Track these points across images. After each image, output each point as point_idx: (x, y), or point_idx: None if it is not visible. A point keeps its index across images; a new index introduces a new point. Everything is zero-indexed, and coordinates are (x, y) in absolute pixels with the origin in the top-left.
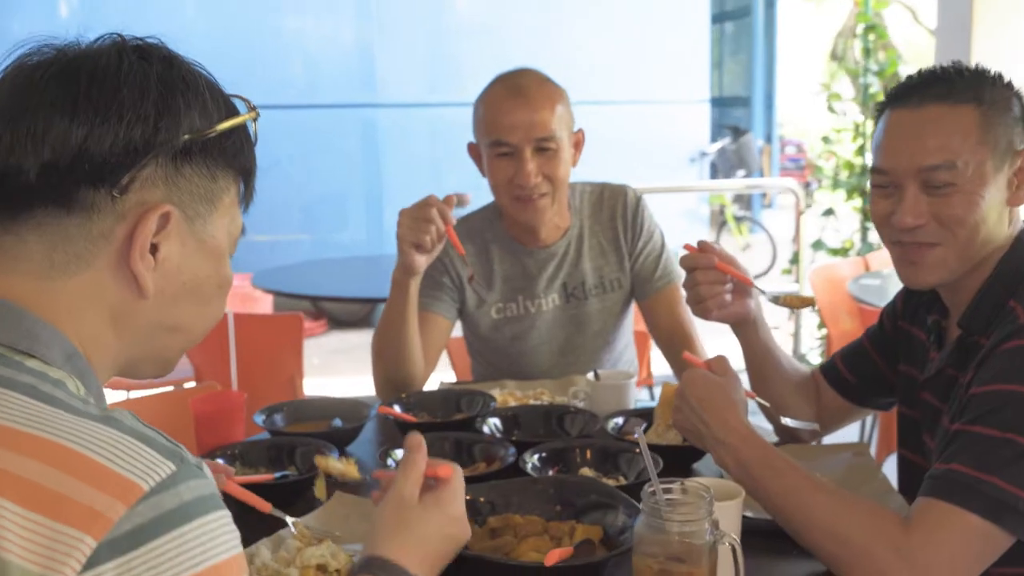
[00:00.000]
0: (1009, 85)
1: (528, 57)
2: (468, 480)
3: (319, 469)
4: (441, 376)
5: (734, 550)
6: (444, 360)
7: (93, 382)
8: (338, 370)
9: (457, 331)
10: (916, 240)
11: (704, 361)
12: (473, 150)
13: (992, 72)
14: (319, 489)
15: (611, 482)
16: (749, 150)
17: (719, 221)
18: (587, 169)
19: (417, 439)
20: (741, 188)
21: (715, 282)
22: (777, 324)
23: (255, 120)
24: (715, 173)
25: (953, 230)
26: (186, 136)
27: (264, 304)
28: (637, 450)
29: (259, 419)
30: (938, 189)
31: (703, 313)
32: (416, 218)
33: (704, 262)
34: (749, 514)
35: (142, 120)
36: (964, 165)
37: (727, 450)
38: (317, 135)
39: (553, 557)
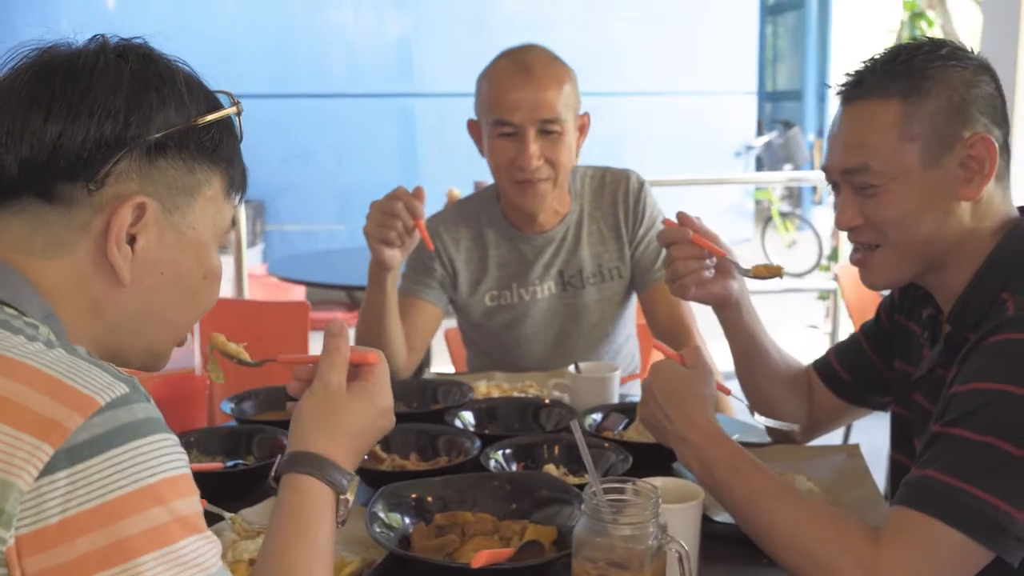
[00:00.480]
0: (963, 66)
1: (569, 46)
2: (422, 474)
3: (213, 347)
4: (442, 368)
5: (681, 558)
6: (444, 352)
7: (64, 342)
8: None
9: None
10: (859, 240)
11: (678, 352)
12: (473, 128)
13: (941, 52)
14: (214, 372)
15: (576, 480)
16: (797, 144)
17: (765, 217)
18: (625, 160)
19: (338, 324)
20: (782, 181)
21: (691, 257)
22: (815, 324)
23: (239, 115)
24: (761, 168)
25: (884, 232)
26: (160, 132)
27: (297, 295)
28: (607, 445)
29: (226, 407)
30: (864, 191)
31: (680, 291)
32: (383, 212)
33: (679, 236)
34: (718, 519)
35: (112, 116)
36: (884, 165)
37: (690, 448)
38: (355, 124)
39: (481, 559)
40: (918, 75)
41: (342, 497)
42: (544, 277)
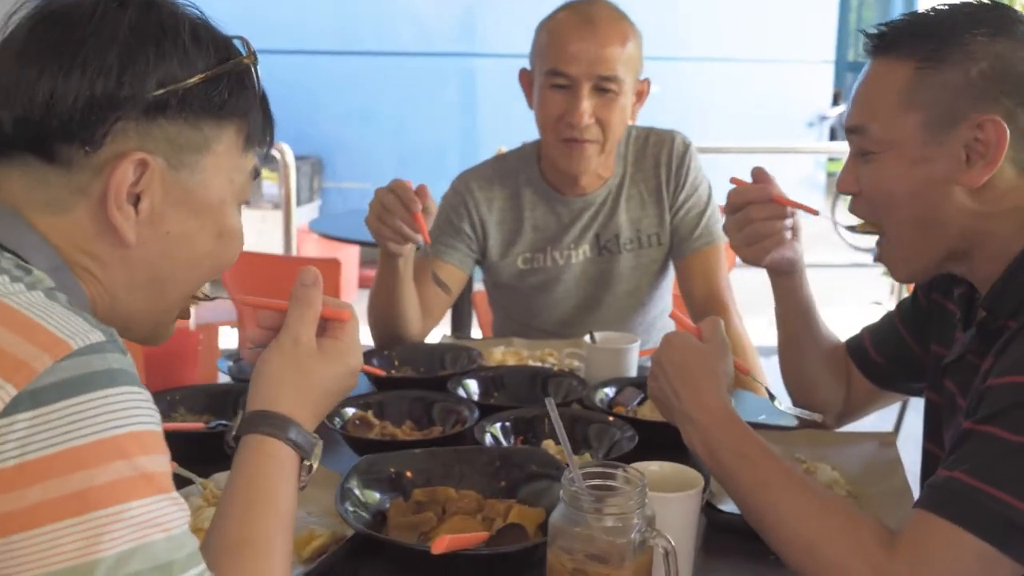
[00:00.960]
0: (1001, 39)
1: (637, 10)
2: (411, 444)
3: None
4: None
5: (667, 554)
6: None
7: (77, 293)
8: None
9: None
10: (855, 213)
11: (697, 325)
12: (525, 77)
13: (980, 17)
14: None
15: (576, 459)
16: None
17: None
18: (692, 128)
19: (312, 273)
20: (844, 151)
21: (774, 217)
22: (879, 300)
23: (254, 64)
24: (834, 139)
25: (875, 209)
26: (158, 90)
27: (350, 253)
28: (611, 420)
29: (223, 365)
30: (864, 156)
31: (756, 256)
32: (381, 205)
33: (759, 195)
34: (725, 508)
35: (104, 74)
36: (882, 131)
37: (695, 429)
38: (416, 83)
39: (441, 545)
40: (944, 41)
41: (306, 463)
42: (580, 241)
